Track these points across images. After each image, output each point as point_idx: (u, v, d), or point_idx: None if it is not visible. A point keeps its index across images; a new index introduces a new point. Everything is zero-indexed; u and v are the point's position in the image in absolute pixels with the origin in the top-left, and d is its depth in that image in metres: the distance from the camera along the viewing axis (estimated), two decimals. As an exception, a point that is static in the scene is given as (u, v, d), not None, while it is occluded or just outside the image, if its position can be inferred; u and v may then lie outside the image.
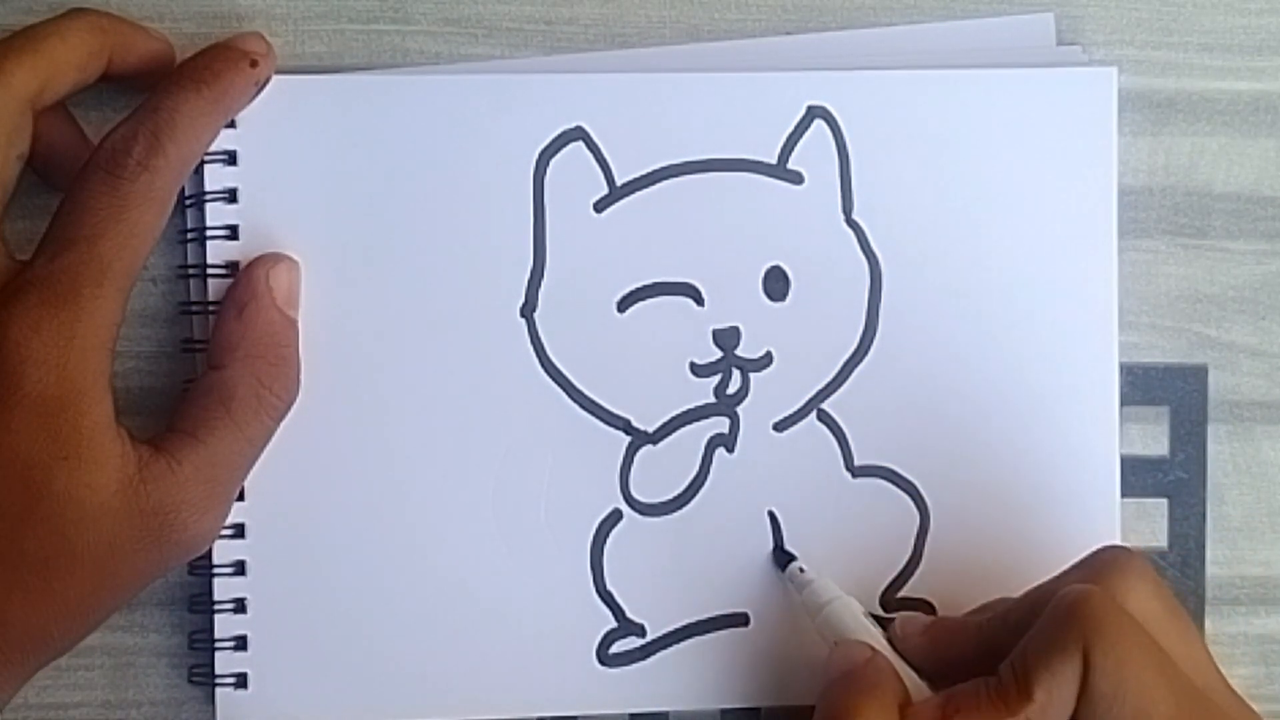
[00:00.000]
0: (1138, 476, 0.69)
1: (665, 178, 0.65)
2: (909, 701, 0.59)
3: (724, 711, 0.68)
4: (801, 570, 0.65)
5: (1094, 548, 0.61)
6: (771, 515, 0.66)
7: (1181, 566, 0.70)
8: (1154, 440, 0.70)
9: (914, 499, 0.67)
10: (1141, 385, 0.69)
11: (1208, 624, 0.70)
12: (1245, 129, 0.70)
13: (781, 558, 0.66)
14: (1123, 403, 0.68)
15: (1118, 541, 0.67)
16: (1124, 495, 0.68)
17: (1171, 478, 0.70)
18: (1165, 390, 0.69)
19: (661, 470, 0.66)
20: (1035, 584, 0.60)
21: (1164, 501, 0.70)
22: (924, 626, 0.62)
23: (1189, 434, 0.70)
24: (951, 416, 0.67)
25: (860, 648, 0.61)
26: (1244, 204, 0.70)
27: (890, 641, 0.61)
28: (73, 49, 0.61)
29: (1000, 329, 0.67)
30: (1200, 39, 0.69)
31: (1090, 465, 0.67)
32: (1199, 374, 0.70)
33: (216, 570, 0.65)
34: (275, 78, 0.63)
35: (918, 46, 0.67)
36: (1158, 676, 0.55)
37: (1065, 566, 0.61)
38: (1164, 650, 0.56)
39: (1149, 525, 0.70)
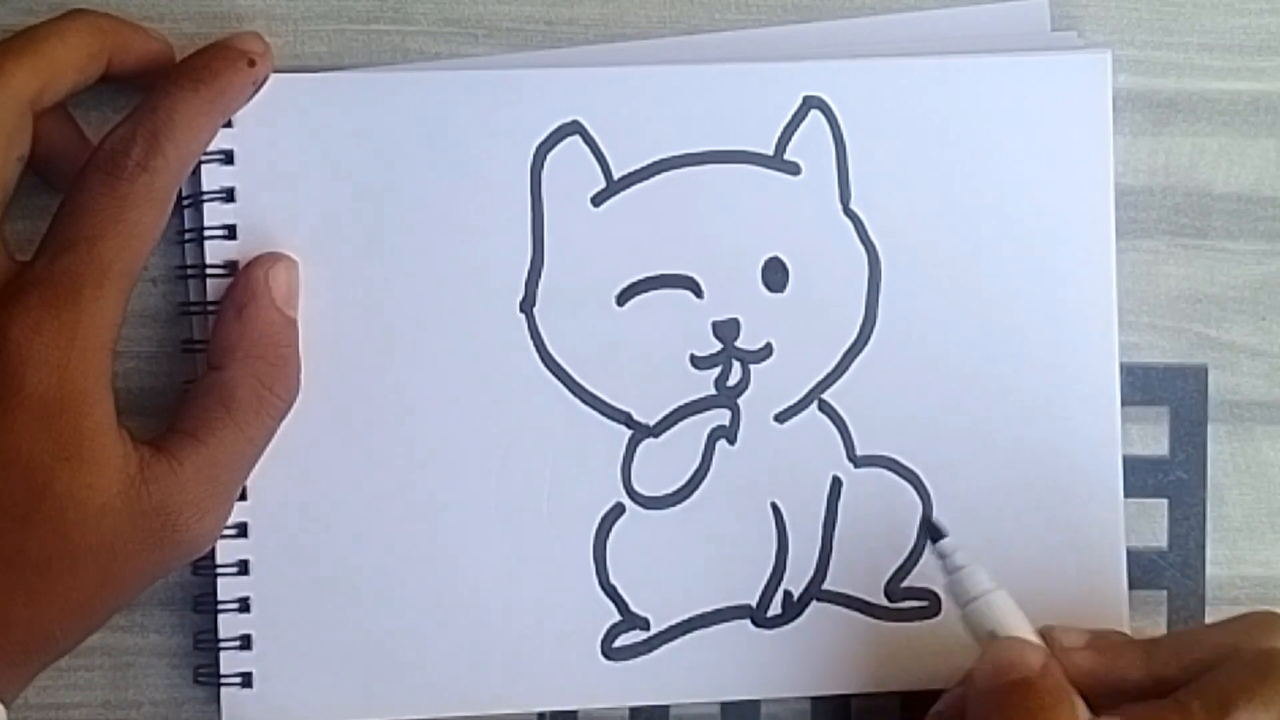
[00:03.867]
0: (1138, 476, 0.69)
1: (662, 170, 0.65)
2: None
3: (724, 705, 0.67)
4: (956, 550, 0.62)
5: (1260, 610, 0.61)
6: (774, 506, 0.66)
7: (1181, 566, 0.69)
8: (1154, 440, 0.69)
9: (916, 488, 0.66)
10: (1141, 385, 0.69)
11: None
12: (1245, 129, 0.70)
13: (933, 532, 0.63)
14: (1123, 403, 0.67)
15: (1121, 540, 0.67)
16: (1124, 495, 0.68)
17: (1171, 478, 0.69)
18: (1165, 390, 0.69)
19: (663, 463, 0.66)
20: (1196, 626, 0.62)
21: (1164, 501, 0.69)
22: (1087, 639, 0.61)
23: (1189, 434, 0.69)
24: (953, 406, 0.67)
25: (1033, 651, 0.59)
26: (1244, 204, 0.70)
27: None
28: (73, 50, 0.61)
29: (1000, 318, 0.67)
30: (1200, 39, 0.69)
31: (1091, 465, 0.67)
32: (1199, 374, 0.69)
33: (220, 570, 0.65)
34: (270, 76, 0.63)
35: (912, 34, 0.67)
36: None
37: (1231, 617, 0.61)
38: None
39: (1149, 525, 0.69)
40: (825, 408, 0.66)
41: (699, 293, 0.66)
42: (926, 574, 0.67)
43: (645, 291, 0.65)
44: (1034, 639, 0.59)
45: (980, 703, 0.58)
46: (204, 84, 0.60)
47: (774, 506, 0.66)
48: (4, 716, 0.56)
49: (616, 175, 0.65)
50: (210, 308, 0.64)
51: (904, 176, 0.66)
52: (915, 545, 0.67)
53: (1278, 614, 0.60)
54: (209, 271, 0.64)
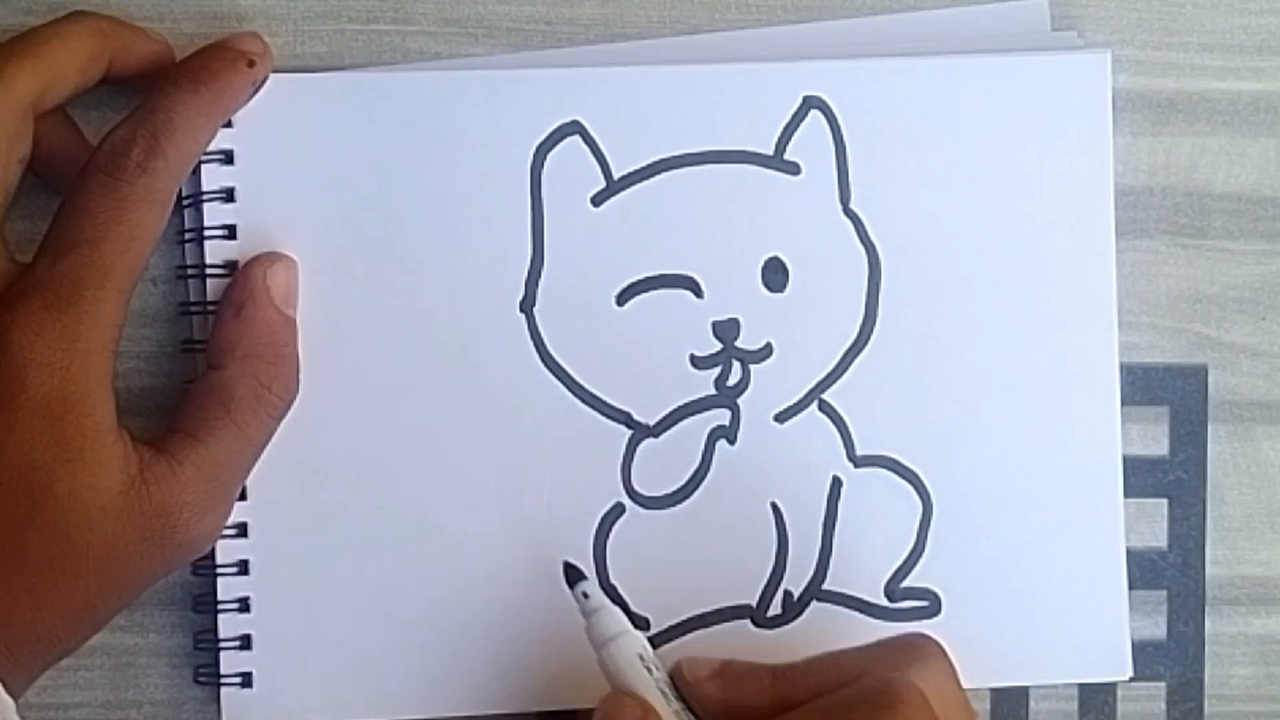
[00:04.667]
0: (1138, 476, 0.69)
1: (662, 170, 0.65)
2: None
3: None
4: (586, 596, 0.61)
5: (904, 633, 0.60)
6: (774, 506, 0.66)
7: (1181, 566, 0.70)
8: (1154, 440, 0.70)
9: (916, 488, 0.66)
10: (1141, 385, 0.69)
11: (1208, 624, 0.70)
12: (1245, 129, 0.70)
13: (571, 574, 0.62)
14: (1123, 403, 0.68)
15: (1121, 540, 0.67)
16: (1124, 495, 0.68)
17: (1171, 478, 0.70)
18: (1165, 390, 0.69)
19: (663, 463, 0.66)
20: (838, 649, 0.59)
21: (1164, 501, 0.70)
22: (713, 670, 0.59)
23: (1189, 434, 0.70)
24: (953, 406, 0.67)
25: (631, 706, 0.58)
26: (1244, 204, 0.70)
27: (675, 683, 0.59)
28: (74, 53, 0.61)
29: (1000, 318, 0.67)
30: (1200, 39, 0.69)
31: (1091, 465, 0.67)
32: (1199, 374, 0.70)
33: (220, 570, 0.65)
34: (270, 76, 0.63)
35: (912, 34, 0.67)
36: None
37: (872, 640, 0.60)
38: None
39: (1149, 525, 0.70)
40: (825, 408, 0.66)
41: (699, 293, 0.66)
42: (927, 574, 0.67)
43: (645, 291, 0.65)
44: (649, 687, 0.59)
45: None
46: (204, 84, 0.60)
47: (774, 506, 0.66)
48: (13, 709, 0.57)
49: (616, 175, 0.65)
50: (210, 308, 0.64)
51: (904, 176, 0.66)
52: (915, 545, 0.67)
53: (919, 641, 0.59)
54: (209, 271, 0.64)
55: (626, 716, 0.57)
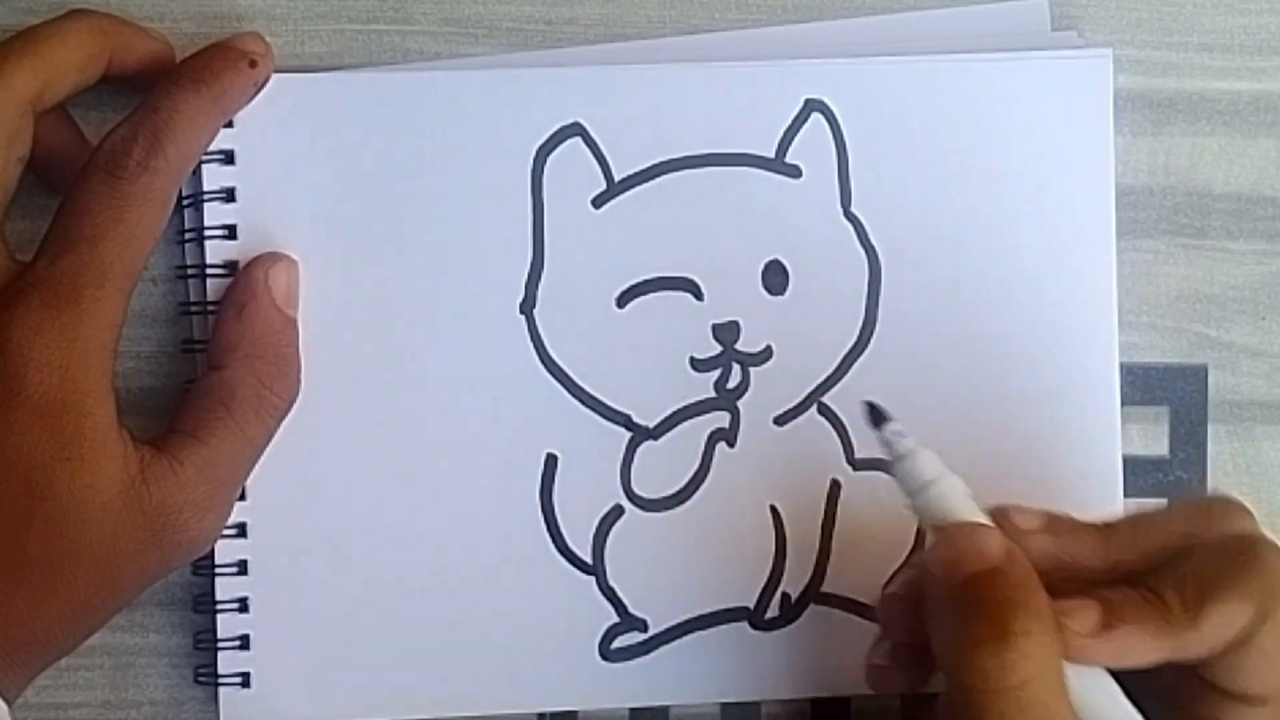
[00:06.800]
0: (1138, 476, 0.69)
1: (663, 173, 0.65)
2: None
3: (724, 706, 0.67)
4: (901, 435, 0.57)
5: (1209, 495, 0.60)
6: (773, 509, 0.66)
7: (1182, 566, 0.70)
8: (1154, 440, 0.69)
9: (916, 492, 0.66)
10: (1141, 385, 0.69)
11: (1209, 623, 0.70)
12: (1245, 129, 0.70)
13: (875, 416, 0.58)
14: (1123, 403, 0.67)
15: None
16: (1124, 495, 0.68)
17: (1171, 478, 0.70)
18: (1165, 390, 0.69)
19: (663, 465, 0.66)
20: (1151, 510, 0.59)
21: (1164, 501, 0.69)
22: (1042, 521, 0.57)
23: (1189, 434, 0.70)
24: (953, 408, 0.66)
25: (995, 539, 0.54)
26: (1244, 204, 0.70)
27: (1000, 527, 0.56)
28: (73, 51, 0.61)
29: (1001, 322, 0.67)
30: (1200, 39, 0.69)
31: (1091, 465, 0.67)
32: (1199, 374, 0.70)
33: (219, 570, 0.65)
34: (271, 76, 0.63)
35: (912, 34, 0.67)
36: None
37: (1184, 501, 0.60)
38: None
39: (1149, 525, 0.70)
40: (825, 411, 0.66)
41: (699, 295, 0.65)
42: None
43: (645, 294, 0.65)
44: (994, 528, 0.55)
45: (943, 594, 0.54)
46: (205, 84, 0.60)
47: (773, 509, 0.66)
48: (5, 714, 0.57)
49: (617, 177, 0.65)
50: (210, 308, 0.64)
51: (904, 179, 0.66)
52: (914, 549, 0.67)
53: (1235, 500, 0.58)
54: (209, 271, 0.64)
55: (993, 546, 0.54)
